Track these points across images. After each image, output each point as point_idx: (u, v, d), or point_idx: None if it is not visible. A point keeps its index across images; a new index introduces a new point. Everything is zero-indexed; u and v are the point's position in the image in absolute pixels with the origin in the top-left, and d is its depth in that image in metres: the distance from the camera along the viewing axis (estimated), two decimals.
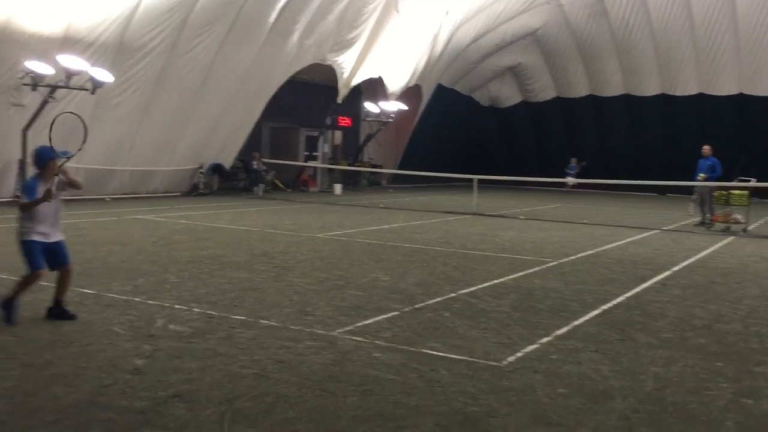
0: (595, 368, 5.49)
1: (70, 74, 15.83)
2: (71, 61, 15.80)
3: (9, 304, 6.28)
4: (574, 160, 31.77)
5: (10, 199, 16.85)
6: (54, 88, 15.91)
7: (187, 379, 4.93)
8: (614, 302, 8.02)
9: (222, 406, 4.44)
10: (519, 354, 5.80)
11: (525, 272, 9.86)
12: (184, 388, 4.73)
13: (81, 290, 7.60)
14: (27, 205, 6.29)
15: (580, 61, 32.44)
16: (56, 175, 6.35)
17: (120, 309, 6.87)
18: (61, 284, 6.58)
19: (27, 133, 16.32)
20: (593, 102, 33.43)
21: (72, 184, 6.60)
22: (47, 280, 6.61)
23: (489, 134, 37.47)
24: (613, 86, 32.46)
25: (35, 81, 15.62)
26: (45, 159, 6.38)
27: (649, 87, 31.53)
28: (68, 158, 6.41)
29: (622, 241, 13.87)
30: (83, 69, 16.05)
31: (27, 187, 6.40)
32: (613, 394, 4.95)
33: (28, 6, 15.46)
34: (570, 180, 29.25)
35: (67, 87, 16.04)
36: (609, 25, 30.16)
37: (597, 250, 12.53)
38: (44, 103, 16.00)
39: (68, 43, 16.49)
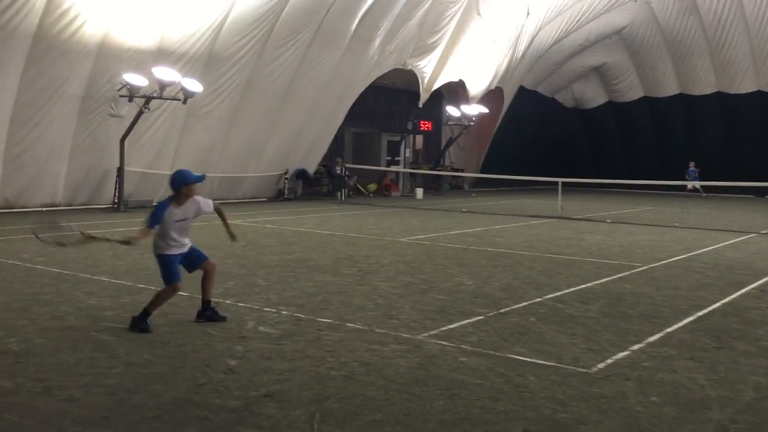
0: (690, 377, 5.30)
1: (163, 85, 16.52)
2: (165, 73, 16.49)
3: (147, 316, 6.38)
4: (692, 164, 29.71)
5: (108, 206, 17.72)
6: (149, 99, 16.63)
7: (277, 379, 5.06)
8: (710, 308, 7.71)
9: (311, 407, 4.53)
10: (609, 361, 5.66)
11: (613, 277, 9.61)
12: (275, 389, 4.86)
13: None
14: (132, 239, 6.31)
15: (669, 59, 31.36)
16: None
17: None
18: (206, 283, 6.74)
19: (124, 143, 17.12)
20: (684, 101, 32.22)
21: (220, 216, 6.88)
22: (157, 285, 6.90)
23: (573, 136, 36.71)
24: (705, 84, 31.21)
25: (131, 92, 16.38)
26: (180, 183, 6.40)
27: (744, 84, 30.15)
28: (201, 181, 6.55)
29: (717, 245, 13.31)
30: (175, 80, 16.72)
31: (154, 211, 6.42)
32: (710, 403, 4.76)
33: (125, 21, 16.24)
34: (691, 184, 27.85)
35: (160, 98, 16.74)
36: (700, 21, 29.03)
37: (690, 254, 12.07)
38: (140, 113, 16.76)
39: (161, 55, 17.22)
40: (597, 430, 4.27)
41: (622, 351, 5.95)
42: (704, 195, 28.29)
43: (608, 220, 18.04)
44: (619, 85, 33.90)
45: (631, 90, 33.71)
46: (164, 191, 19.48)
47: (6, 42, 14.59)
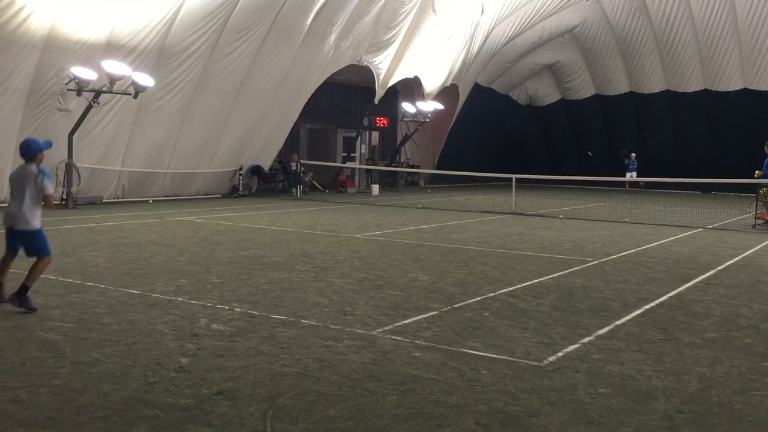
0: (637, 368, 5.42)
1: (113, 79, 16.19)
2: (114, 67, 16.16)
3: (26, 291, 6.73)
4: (633, 156, 30.39)
5: (56, 202, 17.29)
6: (98, 93, 16.28)
7: (230, 377, 5.01)
8: (657, 302, 7.91)
9: (264, 404, 4.50)
10: (560, 354, 5.76)
11: (565, 272, 9.78)
12: (228, 386, 4.81)
13: (126, 290, 7.78)
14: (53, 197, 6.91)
15: (619, 58, 31.99)
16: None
17: (164, 309, 7.01)
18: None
19: (73, 138, 16.72)
20: (634, 99, 32.93)
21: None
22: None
23: (527, 133, 37.19)
24: (655, 83, 31.94)
25: (80, 86, 16.00)
26: (36, 150, 6.93)
27: (692, 83, 30.94)
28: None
29: (665, 240, 13.65)
30: (126, 74, 16.40)
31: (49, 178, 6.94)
32: (656, 394, 4.88)
33: (73, 13, 15.83)
34: (629, 175, 28.39)
35: (110, 92, 16.40)
36: (650, 21, 29.70)
37: (638, 249, 12.35)
38: (89, 107, 16.38)
39: (111, 48, 16.85)
40: (547, 422, 4.34)
41: (573, 344, 6.06)
42: (642, 185, 28.97)
43: (561, 216, 18.35)
44: (572, 83, 34.46)
45: (583, 88, 34.30)
46: (114, 188, 19.13)
47: None
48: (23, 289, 6.71)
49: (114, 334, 6.05)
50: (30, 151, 6.89)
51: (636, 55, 31.47)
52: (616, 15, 30.24)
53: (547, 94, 35.94)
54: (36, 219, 6.87)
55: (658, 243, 13.22)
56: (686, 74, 30.84)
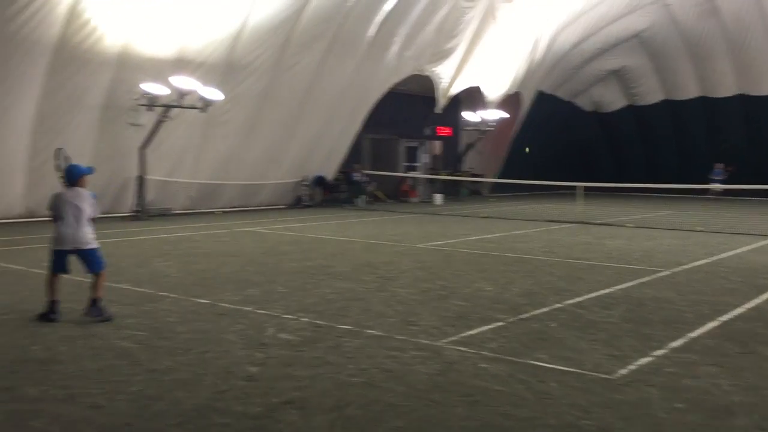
0: (714, 383, 5.23)
1: (182, 94, 16.67)
2: (183, 82, 16.64)
3: (99, 302, 7.12)
4: (720, 166, 29.18)
5: (129, 214, 17.89)
6: (168, 107, 16.78)
7: (298, 386, 5.06)
8: (733, 313, 7.62)
9: (332, 414, 4.53)
10: (632, 366, 5.61)
11: (635, 282, 9.53)
12: (296, 395, 4.87)
13: (197, 300, 7.97)
14: None
15: (689, 62, 31.09)
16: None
17: (232, 318, 7.15)
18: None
19: (145, 152, 17.29)
20: (705, 103, 31.92)
21: None
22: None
23: (592, 140, 36.50)
24: (727, 86, 30.88)
25: (151, 102, 16.54)
26: (78, 175, 7.34)
27: (767, 86, 29.77)
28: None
29: (740, 249, 13.15)
30: (194, 88, 16.86)
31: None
32: (735, 410, 4.70)
33: (144, 31, 16.41)
34: (716, 186, 27.38)
35: (179, 106, 16.89)
36: (721, 22, 28.76)
37: (712, 258, 11.94)
38: (159, 122, 16.91)
39: (180, 64, 17.37)
40: None
41: (645, 357, 5.89)
42: (721, 192, 27.87)
43: (629, 225, 17.90)
44: (639, 88, 33.67)
45: (651, 93, 33.46)
46: (184, 199, 19.66)
47: (28, 53, 14.80)
48: (95, 301, 7.08)
49: (186, 342, 6.20)
50: (73, 176, 7.31)
51: (706, 58, 30.51)
52: (684, 17, 29.40)
53: (613, 100, 35.21)
54: (92, 238, 7.32)
55: (734, 252, 12.75)
56: (761, 77, 29.72)
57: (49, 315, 6.99)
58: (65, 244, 7.18)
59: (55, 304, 7.07)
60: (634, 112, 34.68)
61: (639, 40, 31.05)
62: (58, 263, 7.24)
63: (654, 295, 8.63)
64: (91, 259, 7.25)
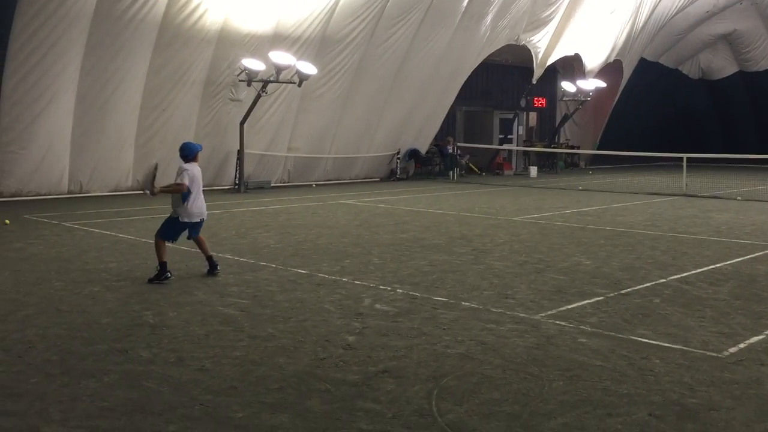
0: None
1: (279, 69, 16.97)
2: (280, 57, 16.94)
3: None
4: None
5: (229, 187, 18.49)
6: (266, 83, 17.15)
7: (395, 356, 5.13)
8: None
9: (429, 384, 4.57)
10: (742, 345, 5.36)
11: (745, 257, 9.06)
12: (393, 365, 4.93)
13: (295, 270, 8.18)
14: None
15: None
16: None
17: (330, 288, 7.30)
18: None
19: (244, 126, 17.78)
20: None
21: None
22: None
23: (699, 109, 34.70)
24: None
25: (250, 77, 16.94)
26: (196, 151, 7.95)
27: None
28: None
29: None
30: (291, 63, 17.14)
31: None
32: None
33: (243, 8, 16.79)
34: None
35: (277, 81, 17.22)
36: None
37: None
38: (258, 97, 17.32)
39: (277, 39, 17.68)
40: (729, 416, 4.06)
41: (757, 335, 5.61)
42: None
43: (739, 198, 16.99)
44: (751, 53, 31.65)
45: (765, 58, 31.39)
46: (281, 173, 20.13)
47: (135, 32, 15.44)
48: (210, 258, 7.87)
49: (286, 311, 6.39)
50: (191, 152, 7.88)
51: None
52: None
53: (722, 66, 33.29)
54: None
55: None
56: None
57: (162, 276, 7.51)
58: (194, 217, 7.79)
59: (165, 266, 7.56)
60: (745, 79, 32.68)
61: (751, 2, 29.09)
62: (177, 233, 7.84)
63: (766, 271, 8.18)
64: (200, 227, 7.94)
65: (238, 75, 17.15)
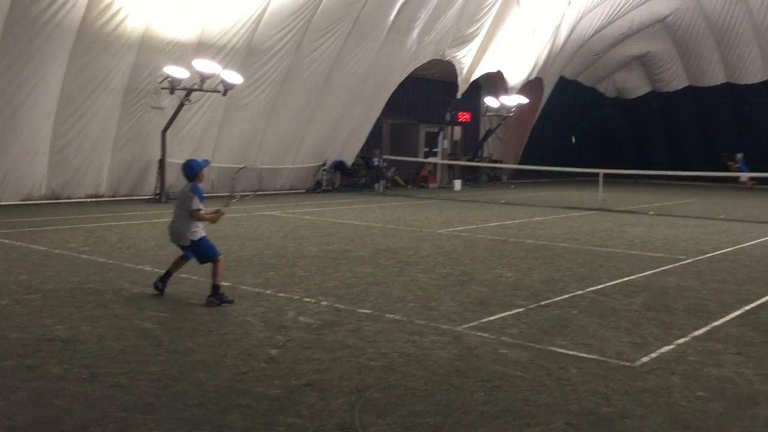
0: (737, 371, 5.18)
1: (203, 77, 16.69)
2: (205, 65, 16.66)
3: (217, 291, 6.99)
4: (740, 156, 28.28)
5: (150, 197, 18.01)
6: (189, 91, 16.83)
7: (318, 369, 5.08)
8: (757, 303, 7.52)
9: (352, 397, 4.54)
10: (653, 355, 5.56)
11: (657, 270, 9.44)
12: (316, 378, 4.89)
13: None
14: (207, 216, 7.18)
15: (715, 48, 30.56)
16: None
17: (253, 301, 7.18)
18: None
19: (166, 135, 17.37)
20: (730, 90, 31.40)
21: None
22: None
23: (615, 127, 36.11)
24: (753, 72, 30.34)
25: (172, 85, 16.58)
26: (198, 170, 7.26)
27: None
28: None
29: (764, 238, 12.98)
30: (215, 72, 16.88)
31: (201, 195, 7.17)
32: (759, 399, 4.65)
33: (166, 14, 16.44)
34: (744, 175, 26.96)
35: (201, 90, 16.92)
36: (748, 7, 28.23)
37: (736, 247, 11.79)
38: (180, 105, 16.96)
39: (202, 47, 17.40)
40: (641, 424, 4.20)
41: (667, 345, 5.84)
42: (749, 186, 27.58)
43: (651, 212, 17.73)
44: (663, 74, 33.20)
45: (676, 79, 32.99)
46: (204, 183, 19.72)
47: (51, 35, 14.88)
48: (214, 288, 6.99)
49: (207, 324, 6.24)
50: (192, 171, 7.22)
51: (733, 44, 29.98)
52: (711, 3, 28.88)
53: (636, 86, 34.77)
54: (194, 232, 7.11)
55: (759, 241, 12.58)
56: None
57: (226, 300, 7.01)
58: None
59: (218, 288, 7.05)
60: (657, 99, 34.23)
61: (664, 26, 30.58)
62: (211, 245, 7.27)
63: (677, 283, 8.55)
64: (195, 253, 7.27)
65: (160, 82, 16.76)
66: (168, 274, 7.39)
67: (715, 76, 31.61)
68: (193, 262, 7.33)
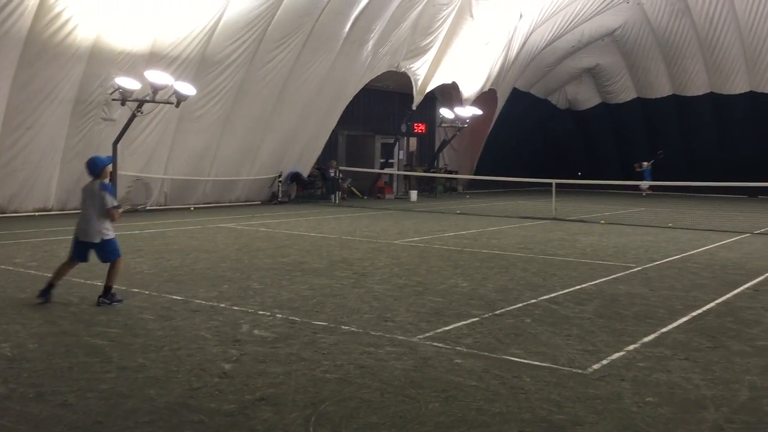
0: (685, 377, 5.30)
1: (156, 89, 16.47)
2: (157, 76, 16.45)
3: (110, 291, 7.30)
4: (647, 164, 30.07)
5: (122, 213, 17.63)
6: (141, 102, 16.58)
7: (272, 383, 5.04)
8: (704, 309, 7.73)
9: (307, 410, 4.51)
10: (604, 361, 5.66)
11: (608, 278, 9.62)
12: (270, 392, 4.84)
13: (170, 296, 7.89)
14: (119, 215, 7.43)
15: (661, 61, 31.44)
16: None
17: (207, 314, 7.09)
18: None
19: (117, 147, 17.06)
20: (676, 102, 32.33)
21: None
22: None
23: (566, 137, 36.79)
24: (698, 85, 31.30)
25: (124, 96, 16.32)
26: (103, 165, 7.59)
27: (737, 85, 30.23)
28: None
29: (711, 246, 13.35)
30: (168, 83, 16.67)
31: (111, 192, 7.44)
32: (706, 403, 4.76)
33: (117, 24, 16.18)
34: (644, 183, 28.05)
35: (153, 101, 16.69)
36: (692, 22, 29.13)
37: (684, 254, 12.10)
38: (132, 117, 16.70)
39: (154, 58, 17.16)
40: (593, 431, 4.27)
41: (618, 351, 5.95)
42: (644, 194, 28.89)
43: (602, 221, 18.08)
44: (612, 86, 33.99)
45: (624, 91, 33.80)
46: (156, 195, 19.45)
47: None
48: (107, 289, 7.31)
49: (159, 339, 6.14)
50: (96, 167, 7.47)
51: (678, 58, 30.89)
52: (657, 17, 29.73)
53: (587, 97, 35.52)
54: (103, 231, 7.37)
55: (704, 248, 12.94)
56: (731, 76, 30.15)
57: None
58: (75, 233, 7.58)
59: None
60: (607, 110, 35.01)
61: (612, 39, 31.33)
62: (71, 249, 7.55)
63: (627, 290, 8.73)
64: (99, 251, 7.53)
65: (111, 93, 16.48)
66: (51, 285, 7.48)
67: (661, 88, 32.49)
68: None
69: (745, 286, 9.18)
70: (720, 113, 31.26)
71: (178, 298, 7.86)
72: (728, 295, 8.50)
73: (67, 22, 15.29)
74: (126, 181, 17.98)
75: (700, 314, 7.46)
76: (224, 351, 5.80)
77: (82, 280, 8.73)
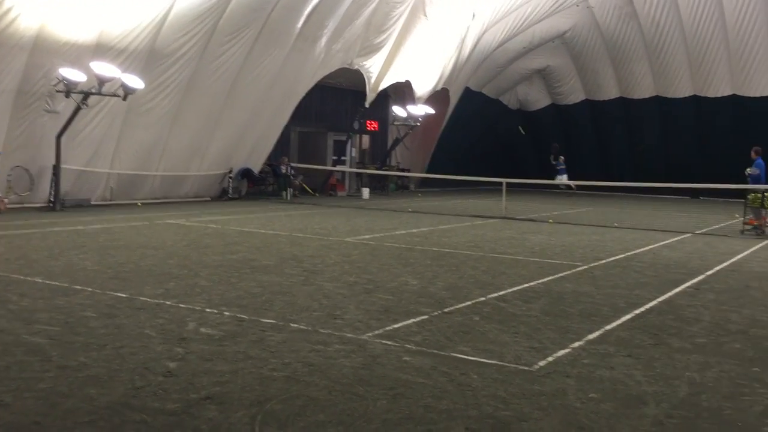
0: (627, 373, 5.42)
1: (102, 81, 16.09)
2: (103, 68, 16.06)
3: None
4: (562, 159, 29.96)
5: (44, 205, 17.16)
6: (87, 94, 16.17)
7: (218, 381, 4.96)
8: (647, 306, 7.92)
9: (253, 409, 4.46)
10: (550, 358, 5.75)
11: (555, 276, 9.78)
12: (216, 391, 4.77)
13: (114, 294, 7.71)
14: None
15: (609, 64, 32.10)
16: None
17: (152, 312, 6.95)
18: None
19: (61, 140, 16.60)
20: (623, 104, 33.07)
21: None
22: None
23: (518, 137, 37.26)
24: (644, 88, 32.05)
25: (68, 88, 15.89)
26: None
27: (681, 89, 31.07)
28: None
29: (654, 245, 13.69)
30: (115, 76, 16.30)
31: None
32: (647, 399, 4.88)
33: (62, 14, 15.73)
34: (562, 180, 28.61)
35: (99, 93, 16.30)
36: (639, 26, 29.83)
37: (628, 253, 12.38)
38: (77, 109, 16.27)
39: (100, 50, 16.75)
40: (537, 427, 4.32)
41: (563, 349, 6.05)
42: (573, 189, 29.45)
43: (551, 221, 18.37)
44: (562, 88, 34.56)
45: (574, 93, 34.40)
46: (102, 190, 19.01)
47: None
48: None
49: (101, 338, 5.99)
50: None
51: (626, 61, 31.59)
52: (606, 20, 30.35)
53: (537, 98, 36.04)
54: None
55: (648, 248, 13.26)
56: (675, 80, 30.96)
57: None
58: None
59: None
60: (557, 111, 35.60)
61: (562, 41, 31.87)
62: None
63: (573, 288, 8.88)
64: None
65: (55, 85, 16.03)
66: None
67: (609, 90, 33.18)
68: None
69: (686, 284, 9.44)
70: (665, 116, 32.09)
71: (123, 295, 7.68)
72: (670, 294, 8.72)
73: (9, 11, 14.82)
74: (70, 175, 17.52)
75: (642, 312, 7.64)
76: (169, 349, 5.70)
77: (22, 277, 8.47)
